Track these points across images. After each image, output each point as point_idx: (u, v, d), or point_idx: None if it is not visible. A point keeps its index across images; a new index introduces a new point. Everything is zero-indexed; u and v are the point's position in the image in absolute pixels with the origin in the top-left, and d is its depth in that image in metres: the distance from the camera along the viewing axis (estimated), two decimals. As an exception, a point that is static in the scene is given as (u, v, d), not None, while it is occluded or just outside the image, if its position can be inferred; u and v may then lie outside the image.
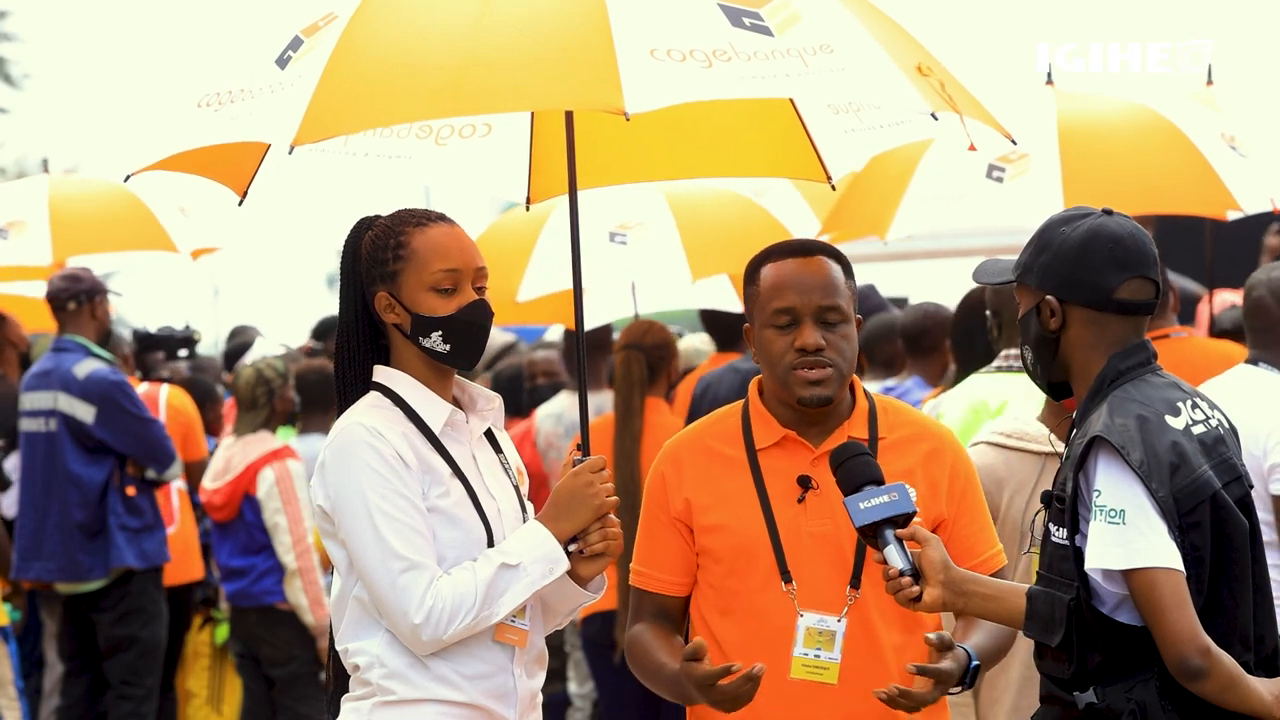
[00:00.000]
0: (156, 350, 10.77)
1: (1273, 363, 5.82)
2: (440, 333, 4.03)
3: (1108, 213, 3.88)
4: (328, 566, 8.32)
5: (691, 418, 7.71)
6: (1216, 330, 8.61)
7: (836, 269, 4.24)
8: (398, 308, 4.05)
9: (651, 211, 8.43)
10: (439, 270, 4.03)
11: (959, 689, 4.05)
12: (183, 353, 11.04)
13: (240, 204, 4.48)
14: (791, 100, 4.70)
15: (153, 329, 11.01)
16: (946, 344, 7.72)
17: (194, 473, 9.36)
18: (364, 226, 4.12)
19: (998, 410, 5.96)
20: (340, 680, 4.09)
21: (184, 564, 9.38)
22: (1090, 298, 3.83)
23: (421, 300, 4.03)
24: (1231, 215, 7.78)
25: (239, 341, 12.58)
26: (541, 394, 10.26)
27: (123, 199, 9.77)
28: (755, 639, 4.13)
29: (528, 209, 5.09)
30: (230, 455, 8.77)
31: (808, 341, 4.17)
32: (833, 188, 4.97)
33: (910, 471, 4.18)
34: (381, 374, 4.09)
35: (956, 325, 6.74)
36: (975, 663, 4.04)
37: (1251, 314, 5.89)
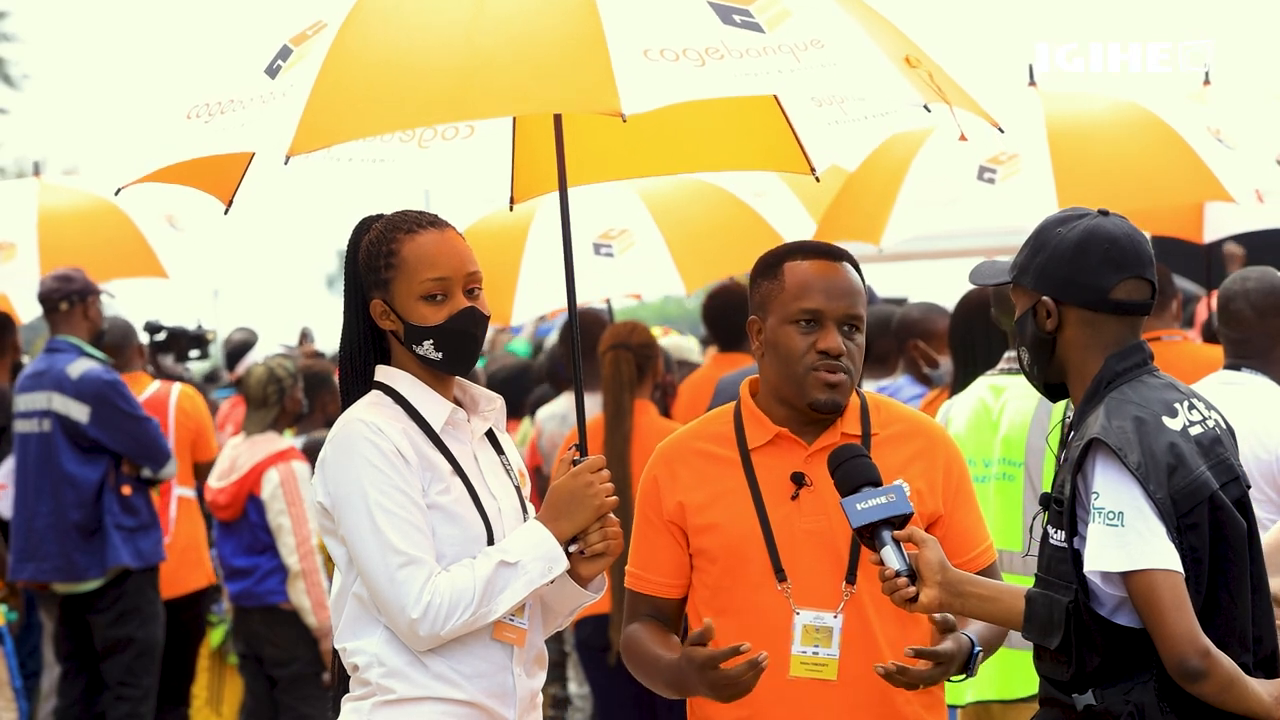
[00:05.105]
0: (167, 351, 10.66)
1: (1254, 368, 5.81)
2: (431, 341, 4.03)
3: (1103, 213, 3.87)
4: (332, 569, 8.30)
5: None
6: (1210, 331, 8.61)
7: (858, 279, 4.24)
8: (392, 315, 4.05)
9: (630, 216, 8.37)
10: (428, 279, 4.02)
11: (962, 676, 4.05)
12: (194, 353, 10.86)
13: (226, 212, 4.47)
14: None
15: (165, 324, 10.86)
16: (909, 342, 7.81)
17: (205, 474, 9.32)
18: (363, 228, 4.12)
19: (1000, 411, 5.94)
20: (343, 680, 4.09)
21: (186, 572, 9.33)
22: (1086, 298, 3.82)
23: (412, 309, 4.03)
24: (1219, 210, 7.75)
25: (239, 341, 12.57)
26: (549, 397, 10.22)
27: (112, 219, 9.74)
28: (752, 638, 4.10)
29: (510, 209, 5.09)
30: (236, 455, 8.76)
31: (832, 345, 4.16)
32: (816, 179, 4.96)
33: (904, 467, 4.17)
34: (383, 373, 4.09)
35: (954, 327, 6.73)
36: (978, 649, 4.05)
37: (1230, 324, 5.84)
